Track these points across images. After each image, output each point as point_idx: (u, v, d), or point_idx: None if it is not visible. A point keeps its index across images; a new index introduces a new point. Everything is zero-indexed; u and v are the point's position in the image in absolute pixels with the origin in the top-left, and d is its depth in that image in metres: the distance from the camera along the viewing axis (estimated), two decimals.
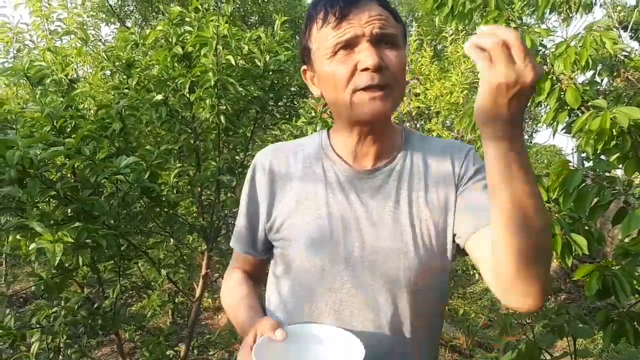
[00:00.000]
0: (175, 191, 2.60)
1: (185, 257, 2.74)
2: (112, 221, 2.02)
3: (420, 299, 0.98)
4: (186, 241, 2.95)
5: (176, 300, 3.03)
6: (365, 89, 0.90)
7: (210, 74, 2.04)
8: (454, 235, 0.98)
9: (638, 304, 1.99)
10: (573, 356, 1.59)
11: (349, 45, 0.91)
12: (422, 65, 3.80)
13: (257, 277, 1.19)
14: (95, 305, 2.06)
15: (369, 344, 0.87)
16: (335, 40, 0.91)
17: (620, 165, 1.70)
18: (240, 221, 1.12)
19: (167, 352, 2.56)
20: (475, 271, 3.82)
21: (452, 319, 4.32)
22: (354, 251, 0.97)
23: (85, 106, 2.62)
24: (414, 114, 3.93)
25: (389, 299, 0.96)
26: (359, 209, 0.99)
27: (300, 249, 0.99)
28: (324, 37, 0.94)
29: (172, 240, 2.37)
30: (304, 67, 1.05)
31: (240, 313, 1.06)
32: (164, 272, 2.17)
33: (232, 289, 1.14)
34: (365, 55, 0.89)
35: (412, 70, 3.83)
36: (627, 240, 1.62)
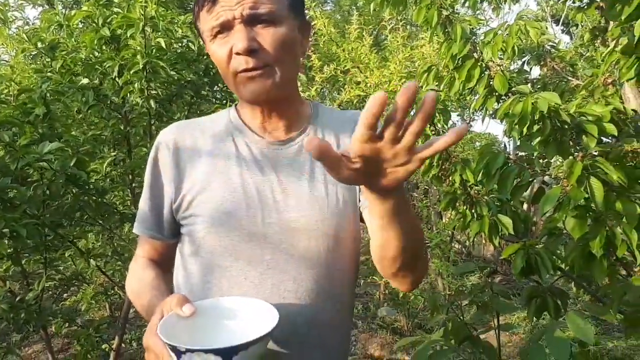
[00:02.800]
0: (109, 180, 2.51)
1: (120, 248, 2.65)
2: (35, 210, 1.93)
3: (337, 267, 1.00)
4: (121, 232, 2.86)
5: (109, 293, 2.93)
6: (243, 71, 0.91)
7: (139, 56, 1.97)
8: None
9: (560, 281, 2.11)
10: (497, 331, 1.66)
11: (225, 28, 0.91)
12: (361, 53, 3.82)
13: (165, 265, 1.10)
14: (17, 298, 1.95)
15: (289, 315, 0.87)
16: (211, 24, 0.92)
17: (542, 149, 1.77)
18: (144, 204, 1.06)
19: (103, 346, 2.48)
20: None
21: (392, 302, 4.42)
22: (271, 224, 0.96)
23: (8, 91, 2.48)
24: (354, 102, 3.96)
25: (310, 268, 0.96)
26: (274, 180, 0.98)
27: (215, 224, 0.96)
28: (203, 20, 0.94)
29: (103, 229, 2.29)
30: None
31: (145, 296, 0.99)
32: (93, 262, 2.09)
33: (136, 275, 1.07)
34: (237, 39, 0.89)
35: (352, 59, 3.85)
36: (544, 218, 1.70)
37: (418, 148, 0.64)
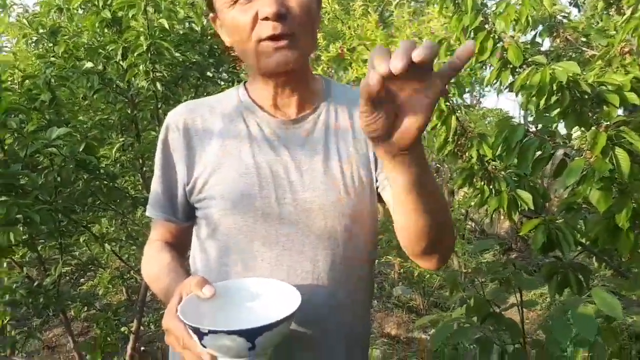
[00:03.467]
0: (120, 165, 2.48)
1: (134, 233, 2.64)
2: (47, 196, 1.91)
3: (355, 247, 0.97)
4: (134, 217, 2.84)
5: (125, 277, 2.93)
6: (269, 38, 0.85)
7: (142, 38, 1.92)
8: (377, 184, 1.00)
9: (581, 256, 2.07)
10: (520, 307, 1.62)
11: None
12: (367, 30, 3.75)
13: (180, 248, 1.08)
14: (35, 284, 1.94)
15: (307, 296, 0.84)
16: None
17: (561, 120, 1.72)
18: (156, 187, 1.03)
19: (122, 329, 2.48)
20: None
21: (408, 281, 4.41)
22: (285, 204, 0.93)
23: (13, 78, 2.44)
24: (362, 80, 3.89)
25: (326, 248, 0.94)
26: (287, 160, 0.95)
27: (229, 206, 0.93)
28: None
29: (116, 214, 2.27)
30: (212, 14, 0.98)
31: (163, 279, 0.97)
32: (107, 247, 2.07)
33: (152, 258, 1.04)
34: (264, 3, 0.84)
35: (358, 36, 3.77)
36: (565, 194, 1.66)
37: (436, 72, 0.59)
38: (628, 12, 1.75)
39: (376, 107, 0.60)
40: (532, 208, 1.79)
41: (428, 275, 3.95)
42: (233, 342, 0.70)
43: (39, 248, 2.10)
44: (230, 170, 0.94)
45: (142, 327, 2.40)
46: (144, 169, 2.37)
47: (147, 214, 1.07)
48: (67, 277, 2.63)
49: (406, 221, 0.81)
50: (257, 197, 0.92)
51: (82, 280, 3.58)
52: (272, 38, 0.85)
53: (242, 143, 0.96)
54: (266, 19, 0.84)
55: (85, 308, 2.12)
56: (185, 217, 1.03)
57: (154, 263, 1.02)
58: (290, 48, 0.86)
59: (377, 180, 0.99)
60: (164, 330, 0.82)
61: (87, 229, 2.08)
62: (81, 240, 2.09)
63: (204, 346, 0.72)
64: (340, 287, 0.95)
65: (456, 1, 2.01)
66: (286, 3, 0.85)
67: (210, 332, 0.69)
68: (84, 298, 2.08)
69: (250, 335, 0.70)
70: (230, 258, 0.95)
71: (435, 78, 0.59)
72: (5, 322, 1.95)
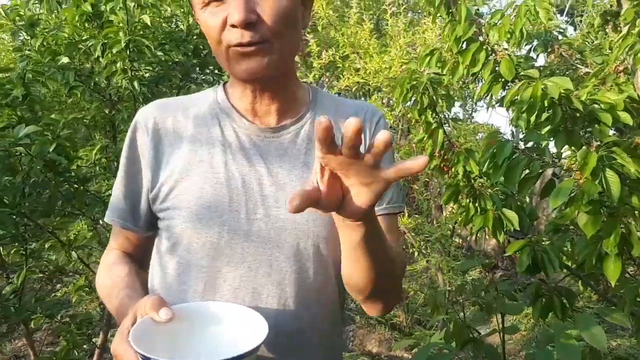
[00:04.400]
0: (100, 168, 2.39)
1: (106, 239, 2.54)
2: (12, 199, 1.81)
3: (327, 270, 0.90)
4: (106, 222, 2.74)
5: (94, 285, 2.82)
6: (237, 45, 0.79)
7: (121, 33, 1.84)
8: None
9: (566, 279, 2.01)
10: (502, 333, 1.55)
11: None
12: (361, 38, 3.69)
13: (141, 259, 0.99)
14: None
15: (271, 321, 0.76)
16: None
17: (551, 139, 1.66)
18: (118, 190, 0.94)
19: (93, 339, 2.38)
20: (414, 250, 3.80)
21: None
22: (256, 220, 0.85)
23: None
24: (353, 89, 3.83)
25: (295, 272, 0.86)
26: (262, 172, 0.87)
27: (193, 219, 0.84)
28: None
29: (86, 220, 2.17)
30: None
31: (116, 295, 0.87)
32: (74, 254, 1.98)
33: (107, 269, 0.95)
34: (233, 8, 0.77)
35: (351, 44, 3.71)
36: (554, 213, 1.59)
37: (385, 169, 0.59)
38: (625, 29, 1.69)
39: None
40: (518, 228, 1.72)
41: (412, 292, 3.88)
42: None
43: (3, 253, 2.00)
44: (199, 179, 0.86)
45: (108, 343, 2.30)
46: None
47: (105, 219, 0.98)
48: (40, 284, 2.52)
49: (351, 271, 0.80)
50: (225, 210, 0.85)
51: (58, 286, 3.47)
52: (241, 45, 0.79)
53: (214, 149, 0.88)
54: (234, 25, 0.78)
55: (48, 319, 2.01)
56: (146, 226, 0.95)
57: (108, 275, 0.94)
58: (262, 54, 0.80)
59: None
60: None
61: (53, 234, 1.98)
62: (46, 246, 1.99)
63: None
64: (308, 311, 0.88)
65: (450, 10, 1.95)
66: (258, 8, 0.78)
67: None
68: (47, 308, 1.98)
69: None
70: (190, 276, 0.87)
71: (381, 175, 0.60)
72: None
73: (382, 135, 0.55)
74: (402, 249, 1.03)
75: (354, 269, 0.79)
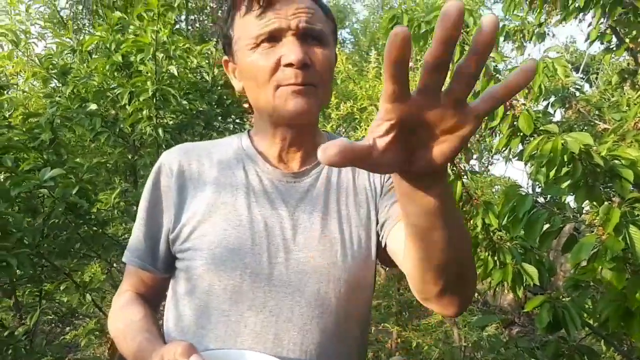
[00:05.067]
0: (118, 212, 2.42)
1: (118, 282, 2.54)
2: (31, 239, 1.83)
3: (349, 315, 0.88)
4: (121, 265, 2.75)
5: (105, 330, 2.80)
6: (288, 85, 0.82)
7: (149, 83, 1.91)
8: (379, 239, 0.91)
9: (588, 338, 1.94)
10: None
11: (273, 37, 0.83)
12: (379, 92, 3.76)
13: (154, 302, 0.99)
14: (6, 333, 1.83)
15: None
16: (259, 31, 0.83)
17: (571, 193, 1.66)
18: (139, 231, 0.94)
19: None
20: None
21: (405, 351, 4.20)
22: (278, 263, 0.85)
23: (19, 115, 2.44)
24: None
25: (317, 317, 0.85)
26: (284, 215, 0.88)
27: (215, 261, 0.84)
28: (246, 26, 0.85)
29: (101, 262, 2.18)
30: (225, 57, 0.95)
31: (134, 338, 0.86)
32: (88, 297, 1.98)
33: (121, 311, 0.94)
34: (290, 50, 0.81)
35: (369, 97, 3.79)
36: (576, 268, 1.56)
37: (473, 103, 0.46)
38: None
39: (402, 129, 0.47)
40: (538, 283, 1.69)
41: (426, 347, 3.76)
42: None
43: (18, 293, 2.01)
44: (222, 221, 0.86)
45: None
46: None
47: (123, 259, 0.97)
48: (52, 325, 2.50)
49: (425, 256, 0.66)
50: (247, 253, 0.84)
51: (67, 329, 3.44)
52: (294, 84, 0.82)
53: (237, 192, 0.89)
54: (290, 65, 0.81)
55: None
56: (164, 267, 0.94)
57: (123, 317, 0.93)
58: (310, 96, 0.83)
59: (379, 235, 0.91)
60: None
61: (70, 276, 1.99)
62: (60, 288, 1.99)
63: None
64: (329, 359, 0.86)
65: None
66: (310, 54, 0.83)
67: None
68: (56, 352, 1.96)
69: None
70: (210, 320, 0.85)
71: (468, 111, 0.46)
72: None
73: (487, 28, 0.40)
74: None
75: (428, 247, 0.64)
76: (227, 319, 0.84)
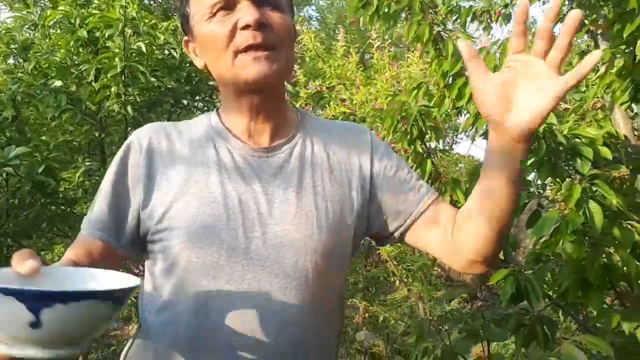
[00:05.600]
0: (82, 191, 2.37)
1: None
2: None
3: (326, 286, 0.91)
4: None
5: None
6: (247, 49, 0.82)
7: (117, 59, 1.87)
8: (384, 221, 0.97)
9: (547, 308, 2.04)
10: None
11: (229, 5, 0.84)
12: (348, 70, 3.78)
13: None
14: None
15: (275, 339, 0.79)
16: (213, 1, 0.84)
17: (535, 170, 1.72)
18: (101, 205, 0.89)
19: None
20: (395, 278, 3.81)
21: (372, 325, 4.30)
22: (254, 238, 0.86)
23: None
24: (339, 119, 3.90)
25: (295, 288, 0.87)
26: (258, 190, 0.88)
27: (191, 238, 0.84)
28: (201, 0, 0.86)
29: (64, 242, 2.15)
30: (185, 38, 0.95)
31: None
32: None
33: None
34: (245, 13, 0.82)
35: (338, 75, 3.80)
36: (540, 242, 1.63)
37: (566, 74, 0.67)
38: (602, 69, 1.78)
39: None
40: (502, 258, 1.76)
41: (393, 321, 3.87)
42: (10, 308, 0.52)
43: None
44: (195, 199, 0.86)
45: None
46: None
47: (83, 231, 0.91)
48: None
49: (498, 215, 0.82)
50: (223, 229, 0.85)
51: None
52: (250, 48, 0.82)
53: (209, 170, 0.89)
54: (247, 27, 0.81)
55: None
56: (128, 245, 0.91)
57: None
58: (271, 60, 0.83)
59: (384, 220, 0.98)
60: None
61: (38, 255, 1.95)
62: None
63: None
64: (310, 331, 0.89)
65: (437, 46, 2.02)
66: (267, 17, 0.84)
67: None
68: None
69: (35, 302, 0.52)
70: (188, 299, 0.85)
71: (562, 79, 0.67)
72: None
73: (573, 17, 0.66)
74: None
75: (504, 210, 0.82)
76: (207, 295, 0.85)
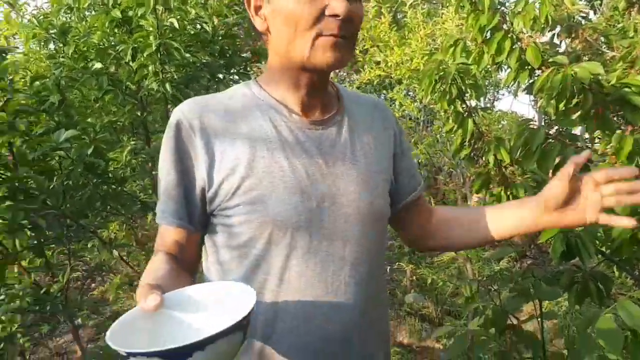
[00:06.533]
0: (131, 170, 2.44)
1: (143, 238, 2.62)
2: (55, 201, 1.88)
3: (383, 250, 1.03)
4: (144, 221, 2.81)
5: (134, 284, 2.89)
6: (328, 35, 0.84)
7: (152, 37, 1.89)
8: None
9: (600, 264, 2.00)
10: (539, 319, 1.56)
11: None
12: (381, 31, 3.69)
13: (186, 264, 0.94)
14: (42, 291, 1.91)
15: (353, 301, 0.90)
16: None
17: (583, 124, 1.66)
18: (171, 190, 0.91)
19: None
20: None
21: (420, 288, 4.33)
22: (325, 208, 0.90)
23: (24, 80, 2.42)
24: (375, 82, 3.84)
25: (363, 254, 0.94)
26: (321, 163, 0.92)
27: (270, 214, 0.86)
28: None
29: (125, 219, 2.24)
30: None
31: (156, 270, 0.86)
32: (116, 253, 2.04)
33: (149, 268, 0.90)
34: (336, 1, 0.82)
35: (371, 37, 3.72)
36: None
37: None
38: None
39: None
40: None
41: (441, 283, 3.88)
42: None
43: (47, 254, 2.07)
44: (266, 174, 0.87)
45: None
46: (154, 172, 2.33)
47: (157, 220, 0.95)
48: (78, 282, 2.60)
49: (479, 243, 1.13)
50: (298, 203, 0.87)
51: (93, 285, 3.56)
52: (334, 36, 0.84)
53: (273, 145, 0.90)
54: (335, 15, 0.82)
55: (93, 315, 2.07)
56: (201, 225, 0.94)
57: (147, 272, 0.89)
58: (347, 49, 0.87)
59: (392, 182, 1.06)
60: None
61: (95, 234, 2.04)
62: (89, 245, 2.05)
63: None
64: (377, 289, 0.99)
65: (473, 0, 1.95)
66: (352, 7, 0.84)
67: (129, 354, 0.58)
68: (92, 305, 2.05)
69: (174, 356, 0.57)
70: (268, 272, 0.89)
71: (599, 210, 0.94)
72: (14, 329, 1.91)
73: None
74: None
75: (488, 239, 1.08)
76: (288, 265, 0.88)
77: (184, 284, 0.81)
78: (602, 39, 2.78)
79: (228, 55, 2.41)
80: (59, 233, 1.85)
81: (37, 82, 2.04)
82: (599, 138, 1.63)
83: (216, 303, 0.74)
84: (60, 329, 3.32)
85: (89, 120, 2.09)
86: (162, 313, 0.68)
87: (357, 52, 3.90)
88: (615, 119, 1.65)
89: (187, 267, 0.94)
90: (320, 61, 0.85)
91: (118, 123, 2.26)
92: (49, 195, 1.78)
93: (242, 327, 0.63)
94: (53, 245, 2.08)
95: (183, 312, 0.72)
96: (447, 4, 3.65)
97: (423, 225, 1.14)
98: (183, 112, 0.92)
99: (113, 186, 1.99)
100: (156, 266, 0.88)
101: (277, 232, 0.87)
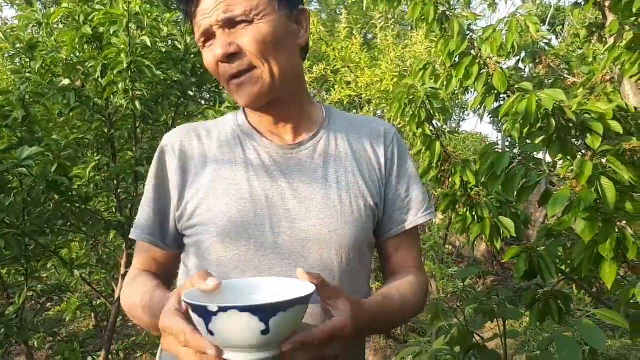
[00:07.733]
0: (94, 186, 2.39)
1: (105, 256, 2.54)
2: (14, 219, 1.82)
3: (351, 279, 0.93)
4: (106, 240, 2.74)
5: (94, 303, 2.81)
6: (230, 78, 0.88)
7: (123, 55, 1.87)
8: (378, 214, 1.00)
9: (561, 283, 2.05)
10: (503, 337, 1.59)
11: (209, 35, 0.88)
12: (352, 52, 3.75)
13: (164, 279, 0.98)
14: None
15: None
16: (198, 33, 0.89)
17: (545, 148, 1.72)
18: (148, 207, 0.97)
19: (88, 359, 2.37)
20: None
21: None
22: (281, 233, 0.89)
23: None
24: (345, 102, 3.88)
25: (330, 277, 0.89)
26: (284, 187, 0.92)
27: (221, 234, 0.88)
28: (194, 28, 0.91)
29: (87, 238, 2.18)
30: None
31: (148, 298, 0.87)
32: (77, 272, 1.98)
33: (132, 284, 0.95)
34: (216, 45, 0.86)
35: (342, 58, 3.77)
36: (552, 220, 1.64)
37: None
38: (611, 41, 1.76)
39: None
40: (515, 235, 1.77)
41: None
42: (245, 324, 0.62)
43: (2, 273, 2.00)
44: (224, 196, 0.90)
45: (110, 356, 2.29)
46: (119, 190, 2.29)
47: (132, 236, 0.99)
48: (33, 302, 2.50)
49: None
50: (250, 225, 0.88)
51: (48, 305, 3.43)
52: (232, 77, 0.87)
53: (236, 168, 0.93)
54: (219, 61, 0.86)
55: (49, 338, 2.00)
56: (174, 243, 0.98)
57: (133, 289, 0.93)
58: (253, 82, 0.87)
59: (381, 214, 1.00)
60: (162, 331, 0.73)
61: (56, 253, 1.99)
62: (48, 265, 1.99)
63: (211, 333, 0.64)
64: None
65: (443, 26, 2.01)
66: (237, 41, 0.85)
67: (220, 309, 0.61)
68: (49, 327, 1.98)
69: (265, 313, 0.62)
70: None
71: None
72: None
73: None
74: (422, 264, 1.10)
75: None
76: None
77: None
78: (564, 65, 2.89)
79: (199, 73, 2.40)
80: (16, 253, 1.79)
81: (1, 97, 2.00)
82: (560, 162, 1.68)
83: (265, 292, 0.78)
84: (15, 351, 3.19)
85: (53, 136, 2.04)
86: (219, 295, 0.72)
87: (329, 72, 3.94)
88: (576, 143, 1.71)
89: (162, 281, 0.97)
90: (241, 103, 0.91)
91: (85, 140, 2.21)
92: (7, 214, 1.72)
93: (308, 300, 0.68)
94: (10, 265, 2.02)
95: (240, 295, 0.76)
96: (417, 27, 3.74)
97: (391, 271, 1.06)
98: (169, 138, 0.99)
99: (77, 204, 1.94)
100: (145, 282, 0.93)
101: (225, 254, 0.88)
